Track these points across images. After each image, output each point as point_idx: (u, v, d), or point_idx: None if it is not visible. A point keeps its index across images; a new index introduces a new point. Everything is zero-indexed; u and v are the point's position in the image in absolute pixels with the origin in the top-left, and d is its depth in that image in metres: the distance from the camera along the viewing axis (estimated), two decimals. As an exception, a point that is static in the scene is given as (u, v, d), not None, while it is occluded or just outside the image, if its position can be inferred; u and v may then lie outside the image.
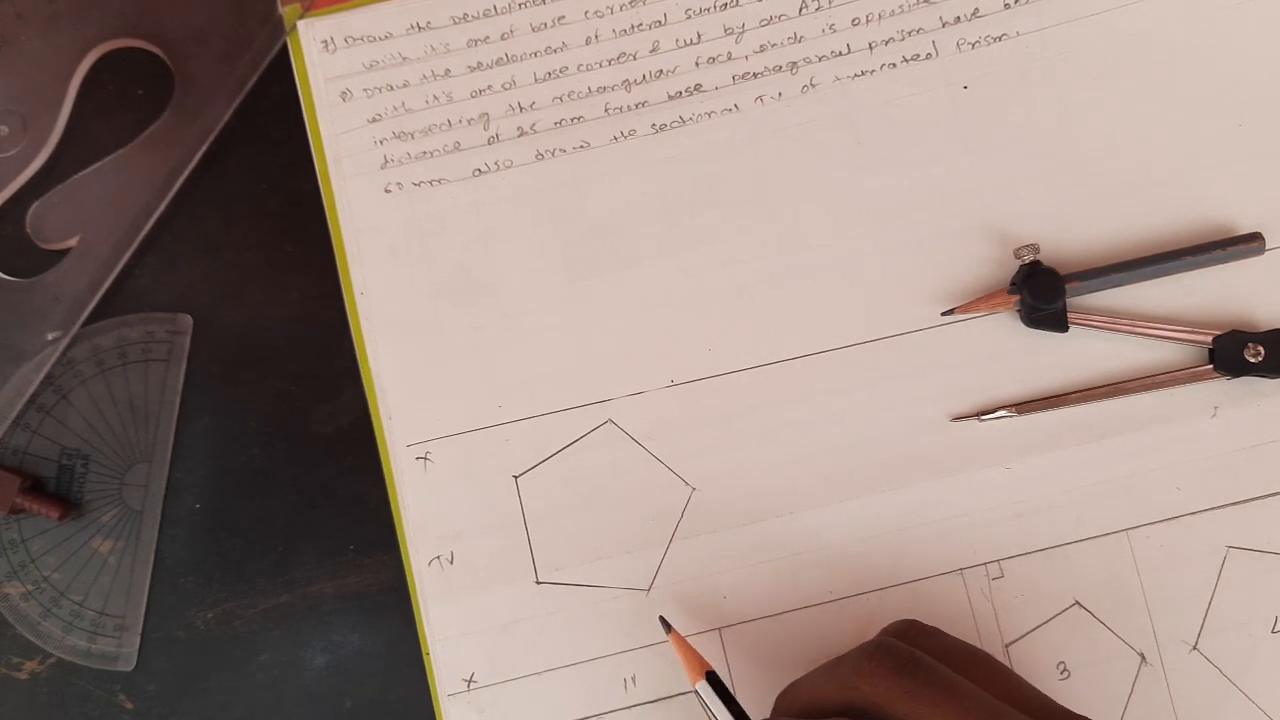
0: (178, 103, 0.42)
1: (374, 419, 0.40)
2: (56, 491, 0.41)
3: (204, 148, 0.42)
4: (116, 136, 0.42)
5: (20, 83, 0.43)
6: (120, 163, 0.42)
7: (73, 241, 0.42)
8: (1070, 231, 0.40)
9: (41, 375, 0.41)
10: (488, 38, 0.41)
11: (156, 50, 0.43)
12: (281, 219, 0.42)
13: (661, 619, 0.38)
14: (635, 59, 0.41)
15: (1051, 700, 0.32)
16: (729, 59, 0.41)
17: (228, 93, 0.42)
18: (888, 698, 0.30)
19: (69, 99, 0.43)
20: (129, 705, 0.40)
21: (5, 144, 0.42)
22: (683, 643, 0.36)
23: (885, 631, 0.34)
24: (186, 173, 0.42)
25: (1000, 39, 0.41)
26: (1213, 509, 0.39)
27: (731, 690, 0.35)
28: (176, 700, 0.40)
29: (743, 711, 0.34)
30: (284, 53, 0.42)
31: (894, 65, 0.41)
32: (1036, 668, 0.38)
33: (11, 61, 0.43)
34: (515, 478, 0.39)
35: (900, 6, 0.41)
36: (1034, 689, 0.32)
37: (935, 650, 0.32)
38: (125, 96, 0.43)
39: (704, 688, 0.35)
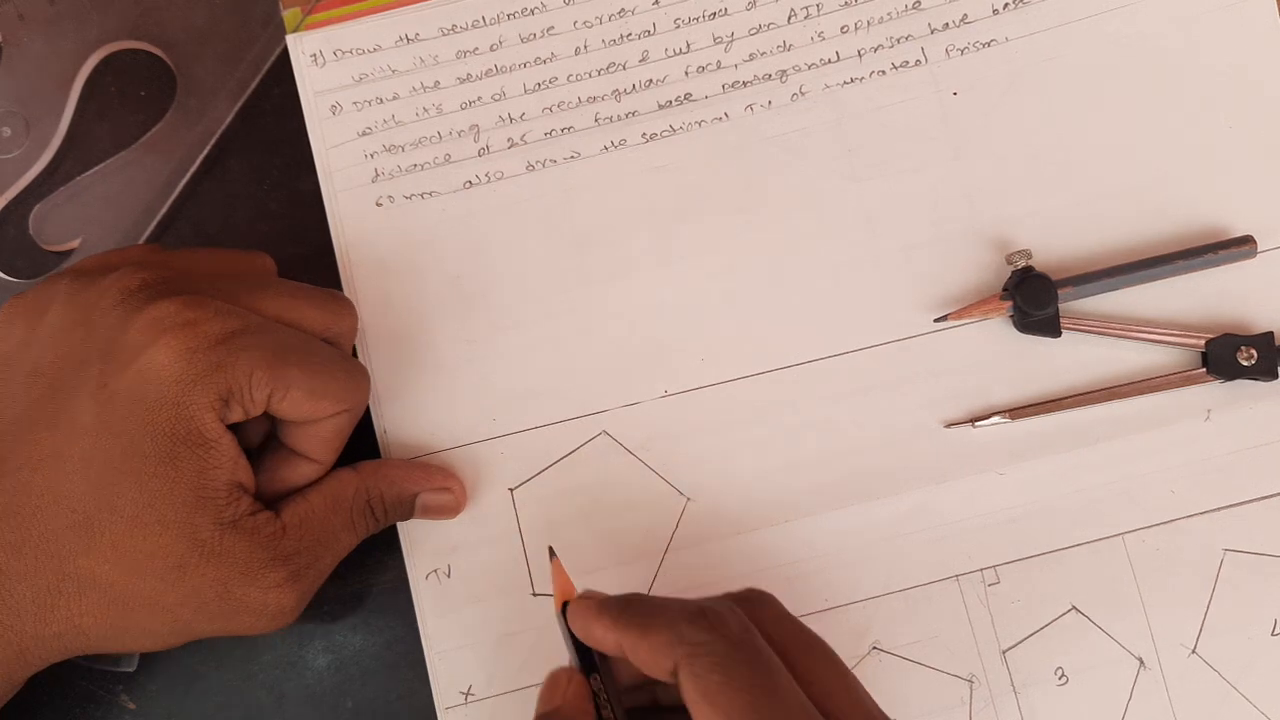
0: (180, 104, 0.42)
1: (374, 423, 0.40)
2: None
3: (206, 149, 0.42)
4: (119, 138, 0.43)
5: (23, 85, 0.43)
6: (123, 164, 0.42)
7: (75, 243, 0.42)
8: (1062, 236, 0.40)
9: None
10: (477, 49, 0.41)
11: (158, 52, 0.43)
12: (284, 220, 0.42)
13: (550, 548, 0.35)
14: (625, 69, 0.41)
15: (878, 709, 0.30)
16: (718, 68, 0.41)
17: (230, 94, 0.42)
18: (703, 664, 0.29)
19: (71, 101, 0.43)
20: (131, 706, 0.40)
21: (8, 146, 0.42)
22: (561, 573, 0.34)
23: (727, 596, 0.32)
24: (189, 174, 0.42)
25: (989, 44, 0.41)
26: (1208, 512, 0.38)
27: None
28: (178, 700, 0.40)
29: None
30: (286, 54, 0.42)
31: (883, 72, 0.41)
32: (1034, 674, 0.38)
33: (14, 63, 0.43)
34: (511, 490, 0.39)
35: (889, 14, 0.41)
36: (864, 690, 0.31)
37: (772, 627, 0.31)
38: (127, 98, 0.43)
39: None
